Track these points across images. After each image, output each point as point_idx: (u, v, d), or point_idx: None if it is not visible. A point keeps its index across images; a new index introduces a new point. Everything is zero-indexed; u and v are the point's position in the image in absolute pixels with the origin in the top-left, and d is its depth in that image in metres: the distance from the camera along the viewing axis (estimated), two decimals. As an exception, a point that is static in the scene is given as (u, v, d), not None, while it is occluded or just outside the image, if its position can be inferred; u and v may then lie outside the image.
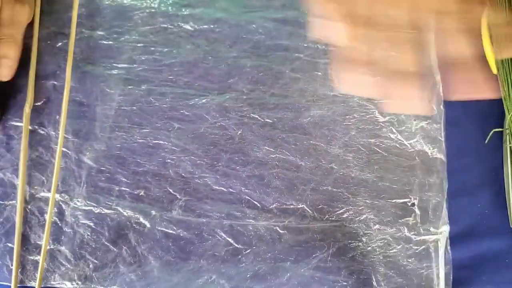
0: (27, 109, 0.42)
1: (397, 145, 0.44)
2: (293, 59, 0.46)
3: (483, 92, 0.26)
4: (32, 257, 0.39)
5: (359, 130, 0.44)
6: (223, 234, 0.41)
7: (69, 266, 0.39)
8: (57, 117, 0.43)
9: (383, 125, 0.45)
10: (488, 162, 0.45)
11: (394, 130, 0.44)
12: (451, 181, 0.43)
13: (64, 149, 0.42)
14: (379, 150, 0.44)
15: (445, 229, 0.41)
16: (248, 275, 0.40)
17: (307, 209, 0.42)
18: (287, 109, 0.45)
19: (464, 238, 0.42)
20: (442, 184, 0.43)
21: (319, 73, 0.46)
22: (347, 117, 0.45)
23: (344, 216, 0.42)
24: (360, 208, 0.42)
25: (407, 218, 0.42)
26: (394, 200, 0.42)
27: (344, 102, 0.45)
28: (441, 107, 0.45)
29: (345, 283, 0.40)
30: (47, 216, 0.40)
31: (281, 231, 0.41)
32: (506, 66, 0.45)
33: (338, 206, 0.42)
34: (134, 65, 0.45)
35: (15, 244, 0.39)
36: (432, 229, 0.42)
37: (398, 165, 0.43)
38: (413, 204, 0.42)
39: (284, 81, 0.45)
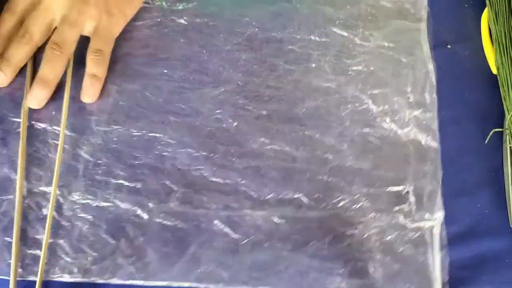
0: (25, 105, 0.42)
1: (391, 135, 0.45)
2: (287, 52, 0.46)
3: None
4: (30, 251, 0.39)
5: (353, 121, 0.45)
6: (220, 225, 0.41)
7: (68, 259, 0.39)
8: (53, 112, 0.43)
9: (377, 115, 0.45)
10: (488, 162, 0.45)
11: (388, 120, 0.45)
12: (451, 181, 0.43)
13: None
14: (373, 140, 0.44)
15: (440, 215, 0.42)
16: (247, 265, 0.40)
17: (303, 198, 0.42)
18: (282, 100, 0.45)
19: (464, 238, 0.42)
20: (436, 171, 0.43)
21: (313, 65, 0.46)
22: (341, 107, 0.45)
23: (340, 204, 0.42)
24: (356, 196, 0.42)
25: (402, 206, 0.42)
26: (389, 188, 0.43)
27: (338, 93, 0.45)
28: (434, 95, 0.45)
29: (343, 270, 0.40)
30: (46, 211, 0.40)
31: (278, 221, 0.41)
32: (506, 66, 0.45)
33: (334, 195, 0.42)
34: (129, 60, 0.45)
35: (14, 239, 0.39)
36: (427, 215, 0.42)
37: (392, 154, 0.44)
38: (407, 192, 0.43)
39: (278, 73, 0.46)
